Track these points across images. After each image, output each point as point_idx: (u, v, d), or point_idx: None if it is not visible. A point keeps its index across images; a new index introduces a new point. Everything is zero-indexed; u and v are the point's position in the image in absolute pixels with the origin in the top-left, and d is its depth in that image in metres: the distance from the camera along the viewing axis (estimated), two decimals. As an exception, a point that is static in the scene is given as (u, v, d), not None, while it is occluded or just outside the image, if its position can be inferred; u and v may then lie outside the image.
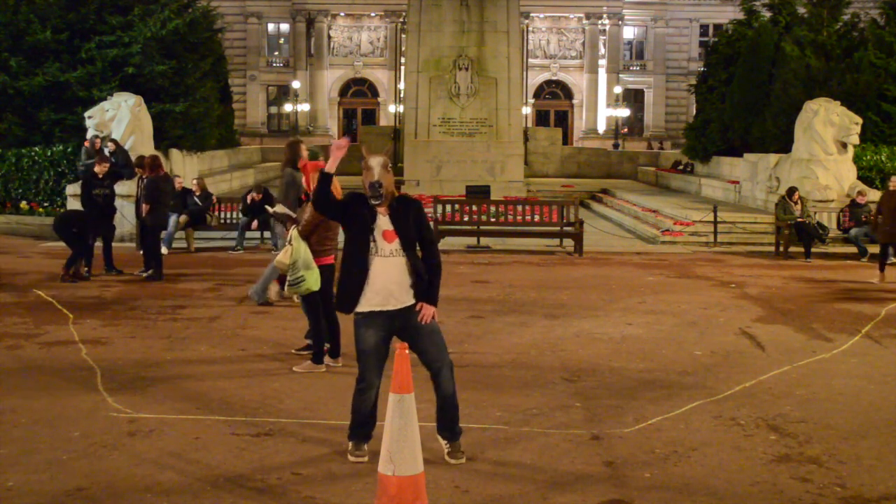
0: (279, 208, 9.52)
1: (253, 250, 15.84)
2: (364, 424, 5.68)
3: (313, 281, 7.76)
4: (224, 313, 10.48)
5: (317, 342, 8.00)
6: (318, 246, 7.85)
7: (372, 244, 5.44)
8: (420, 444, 4.78)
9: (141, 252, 13.61)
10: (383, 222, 5.46)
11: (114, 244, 13.77)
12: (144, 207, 12.99)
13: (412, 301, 5.50)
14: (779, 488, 5.32)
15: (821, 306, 11.33)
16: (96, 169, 13.33)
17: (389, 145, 6.08)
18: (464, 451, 5.66)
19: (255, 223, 16.23)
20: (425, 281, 5.51)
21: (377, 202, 5.40)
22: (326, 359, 8.00)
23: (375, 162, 5.43)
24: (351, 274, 5.49)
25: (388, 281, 5.44)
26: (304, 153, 10.34)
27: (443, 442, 5.69)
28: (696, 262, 15.38)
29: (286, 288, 7.84)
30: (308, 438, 6.08)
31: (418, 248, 5.55)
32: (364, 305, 5.47)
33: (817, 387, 7.58)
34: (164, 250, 14.11)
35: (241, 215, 16.70)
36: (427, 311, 5.50)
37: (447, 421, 5.68)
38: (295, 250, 7.63)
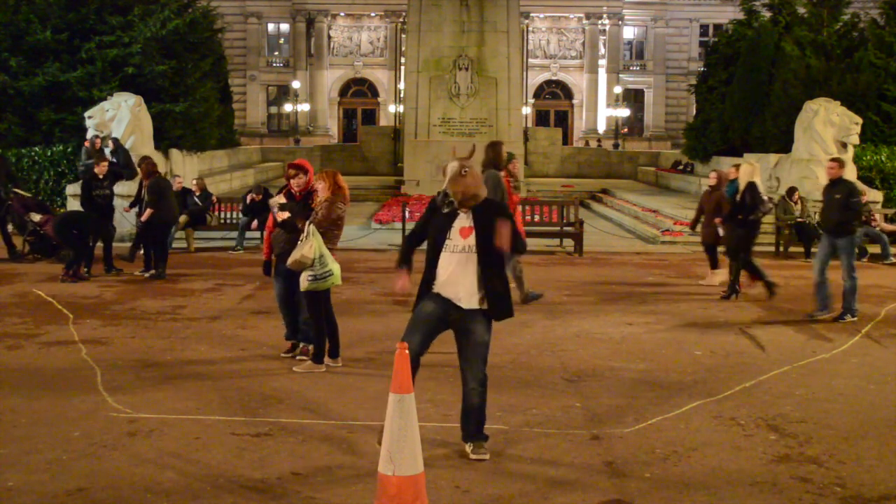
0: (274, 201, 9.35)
1: (253, 250, 15.82)
2: None
3: (338, 275, 7.77)
4: (224, 313, 10.48)
5: (318, 342, 8.00)
6: (327, 243, 7.83)
7: (448, 241, 5.57)
8: (420, 444, 4.78)
9: (140, 252, 13.61)
10: (462, 220, 5.56)
11: (114, 244, 13.77)
12: (147, 212, 12.96)
13: (476, 306, 5.58)
14: (779, 488, 5.32)
15: (821, 306, 11.31)
16: (96, 170, 13.33)
17: (471, 146, 6.08)
18: (487, 448, 5.71)
19: (255, 223, 16.22)
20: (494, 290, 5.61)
21: (447, 209, 5.52)
22: (326, 359, 8.00)
23: (450, 168, 5.53)
24: (425, 271, 5.67)
25: (455, 275, 5.54)
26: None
27: (466, 445, 5.72)
28: (696, 262, 15.37)
29: (311, 283, 7.71)
30: (308, 438, 6.07)
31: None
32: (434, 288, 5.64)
33: (817, 387, 7.58)
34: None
35: (241, 215, 16.70)
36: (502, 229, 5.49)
37: (470, 427, 5.74)
38: (317, 245, 7.60)
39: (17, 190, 14.97)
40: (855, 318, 10.35)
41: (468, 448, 5.71)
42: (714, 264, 13.08)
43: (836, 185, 10.63)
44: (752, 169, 11.89)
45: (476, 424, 5.74)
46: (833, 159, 11.05)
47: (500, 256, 5.58)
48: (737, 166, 12.26)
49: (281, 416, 6.55)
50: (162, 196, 12.96)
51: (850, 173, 18.23)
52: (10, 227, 14.93)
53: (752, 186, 11.59)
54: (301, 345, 8.28)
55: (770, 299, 11.57)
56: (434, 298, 5.63)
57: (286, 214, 7.99)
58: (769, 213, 12.93)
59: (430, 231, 5.67)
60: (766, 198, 11.77)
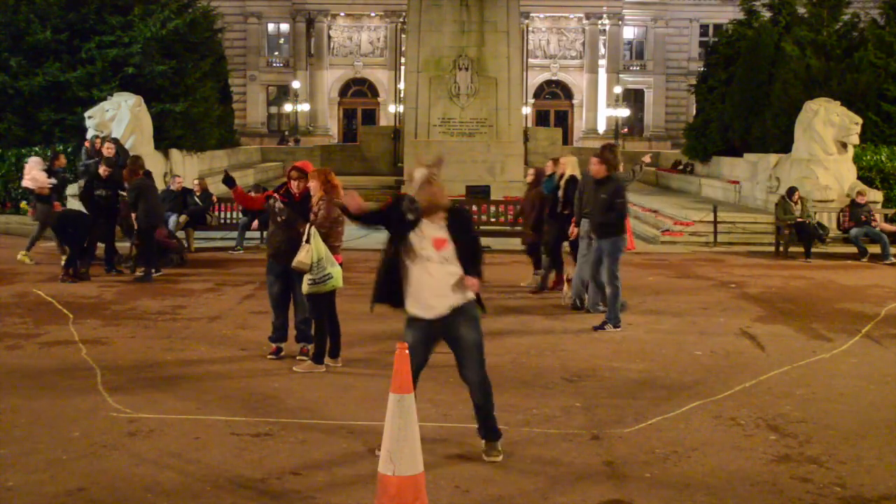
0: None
1: (253, 250, 15.83)
2: None
3: (339, 277, 7.77)
4: (224, 313, 10.48)
5: (318, 342, 7.99)
6: (333, 242, 7.83)
7: (420, 251, 5.51)
8: (420, 444, 4.78)
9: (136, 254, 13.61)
10: (433, 230, 5.52)
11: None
12: (132, 216, 12.93)
13: (458, 303, 5.55)
14: (779, 488, 5.32)
15: (821, 306, 11.32)
16: (100, 171, 13.31)
17: (437, 156, 6.11)
18: (501, 450, 5.75)
19: (255, 223, 16.22)
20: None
21: (412, 217, 5.48)
22: (326, 359, 8.00)
23: (418, 174, 5.52)
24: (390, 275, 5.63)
25: (433, 286, 5.51)
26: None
27: (481, 441, 5.79)
28: (696, 262, 15.38)
29: (311, 286, 7.72)
30: (308, 438, 6.07)
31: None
32: (409, 308, 5.62)
33: (817, 387, 7.58)
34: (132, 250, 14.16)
35: (241, 215, 16.69)
36: (471, 282, 5.51)
37: (481, 424, 5.80)
38: (316, 248, 7.60)
39: (122, 193, 14.82)
40: (618, 328, 9.67)
41: (483, 446, 5.80)
42: (537, 265, 12.42)
43: (603, 183, 9.80)
44: (572, 162, 11.40)
45: (484, 421, 5.78)
46: (597, 155, 9.99)
47: (478, 263, 5.61)
48: (555, 160, 11.82)
49: (281, 416, 6.54)
50: (141, 197, 12.83)
51: (850, 173, 18.36)
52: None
53: (572, 180, 11.21)
54: (301, 345, 8.28)
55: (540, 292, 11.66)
56: (417, 324, 5.58)
57: (280, 205, 8.02)
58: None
59: (392, 236, 5.61)
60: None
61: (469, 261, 5.56)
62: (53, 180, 15.48)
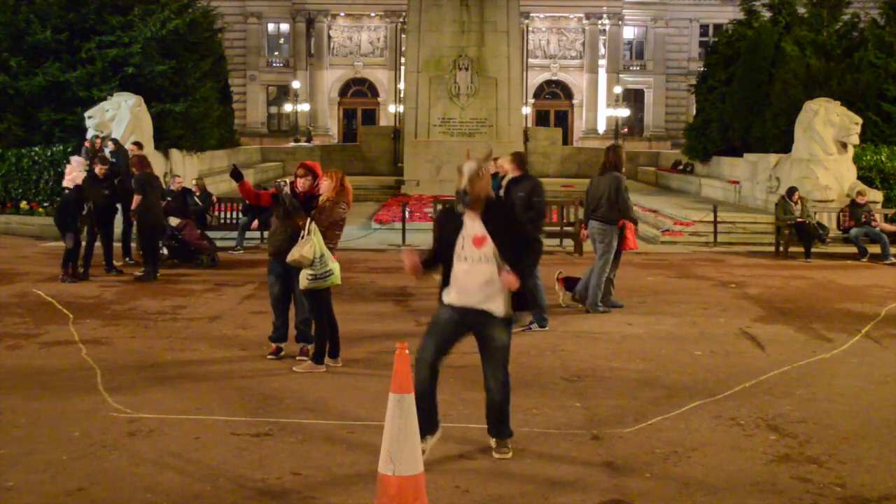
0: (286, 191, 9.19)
1: (253, 250, 15.84)
2: (421, 411, 5.11)
3: (338, 274, 7.77)
4: (224, 313, 10.48)
5: (318, 342, 7.99)
6: (328, 243, 7.83)
7: (460, 250, 5.52)
8: (420, 444, 4.78)
9: (142, 252, 13.60)
10: (472, 227, 5.51)
11: (114, 244, 13.75)
12: (135, 199, 12.91)
13: (492, 309, 5.57)
14: (779, 488, 5.32)
15: (821, 306, 11.32)
16: (96, 170, 13.31)
17: (488, 150, 6.04)
18: (510, 447, 5.79)
19: (255, 223, 16.22)
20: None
21: (461, 209, 5.46)
22: (326, 359, 7.99)
23: (468, 167, 5.47)
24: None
25: (472, 284, 5.51)
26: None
27: (490, 439, 5.82)
28: (696, 262, 15.38)
29: (311, 282, 7.68)
30: (308, 438, 6.07)
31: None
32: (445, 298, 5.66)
33: (817, 387, 7.58)
34: (164, 251, 14.10)
35: (240, 215, 16.69)
36: (508, 278, 5.46)
37: (491, 422, 5.83)
38: (318, 244, 7.60)
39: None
40: (544, 328, 9.56)
41: (491, 442, 5.82)
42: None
43: (520, 181, 9.61)
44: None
45: (497, 421, 5.80)
46: (511, 154, 9.93)
47: (518, 260, 5.54)
48: (496, 159, 11.57)
49: (281, 416, 6.54)
50: (146, 191, 12.81)
51: (850, 173, 18.37)
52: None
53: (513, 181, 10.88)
54: (301, 345, 8.28)
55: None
56: (449, 307, 5.64)
57: (288, 190, 7.98)
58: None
59: (442, 235, 5.67)
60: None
61: (512, 257, 5.50)
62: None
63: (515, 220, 5.81)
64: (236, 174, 8.27)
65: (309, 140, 47.12)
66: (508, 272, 5.46)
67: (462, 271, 5.54)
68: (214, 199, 17.54)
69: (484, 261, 5.50)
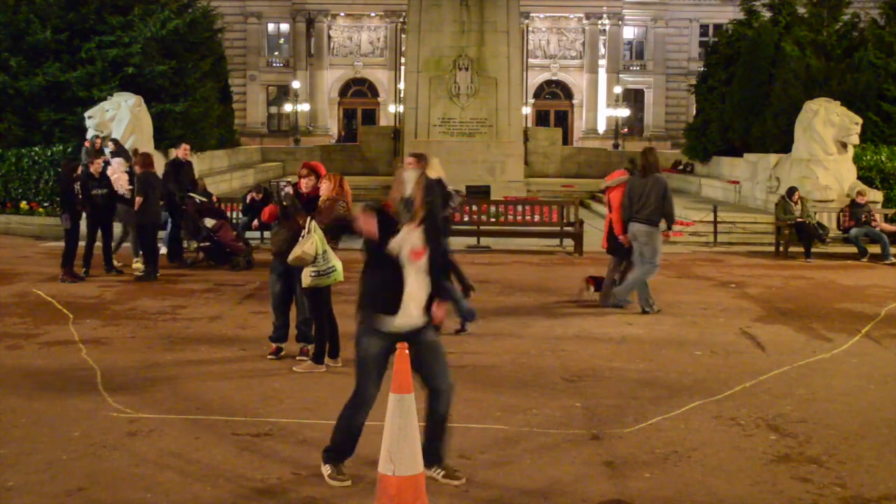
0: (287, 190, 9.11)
1: (253, 250, 15.81)
2: (351, 441, 5.29)
3: (340, 271, 7.76)
4: (224, 313, 10.48)
5: (318, 341, 7.99)
6: (330, 242, 7.83)
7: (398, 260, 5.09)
8: (420, 444, 4.78)
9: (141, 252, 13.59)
10: (412, 239, 5.10)
11: (113, 244, 13.74)
12: (137, 200, 12.93)
13: (427, 317, 5.21)
14: (779, 488, 5.32)
15: (821, 306, 11.32)
16: (91, 169, 13.29)
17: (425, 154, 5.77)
18: (458, 469, 5.38)
19: (255, 223, 16.18)
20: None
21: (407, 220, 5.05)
22: (326, 359, 8.00)
23: (413, 175, 5.16)
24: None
25: (410, 297, 5.12)
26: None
27: (437, 471, 5.25)
28: (696, 262, 15.38)
29: (314, 279, 7.63)
30: (308, 438, 6.07)
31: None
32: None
33: (817, 387, 7.58)
34: (163, 250, 14.08)
35: (240, 215, 16.66)
36: (438, 314, 5.24)
37: (438, 441, 5.28)
38: (319, 240, 7.60)
39: (192, 194, 14.71)
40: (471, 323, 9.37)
41: (437, 474, 5.24)
42: None
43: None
44: (434, 164, 10.71)
45: (440, 436, 5.29)
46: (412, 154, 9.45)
47: (439, 275, 5.27)
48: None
49: (281, 416, 6.55)
50: (147, 191, 12.81)
51: (850, 173, 18.35)
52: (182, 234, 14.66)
53: (438, 183, 10.82)
54: (301, 346, 8.28)
55: None
56: (385, 336, 5.12)
57: (289, 190, 7.99)
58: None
59: (375, 246, 5.08)
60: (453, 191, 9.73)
61: (435, 273, 5.19)
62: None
63: (439, 233, 5.40)
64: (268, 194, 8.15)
65: (297, 142, 47.04)
66: (438, 307, 5.23)
67: (413, 281, 5.10)
68: (215, 198, 17.52)
69: (420, 271, 5.12)
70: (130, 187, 13.51)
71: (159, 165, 15.71)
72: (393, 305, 5.09)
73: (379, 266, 5.13)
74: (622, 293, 10.78)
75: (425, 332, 5.24)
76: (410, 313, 5.14)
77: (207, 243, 14.21)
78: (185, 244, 14.64)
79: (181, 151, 15.08)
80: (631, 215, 10.68)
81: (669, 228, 10.77)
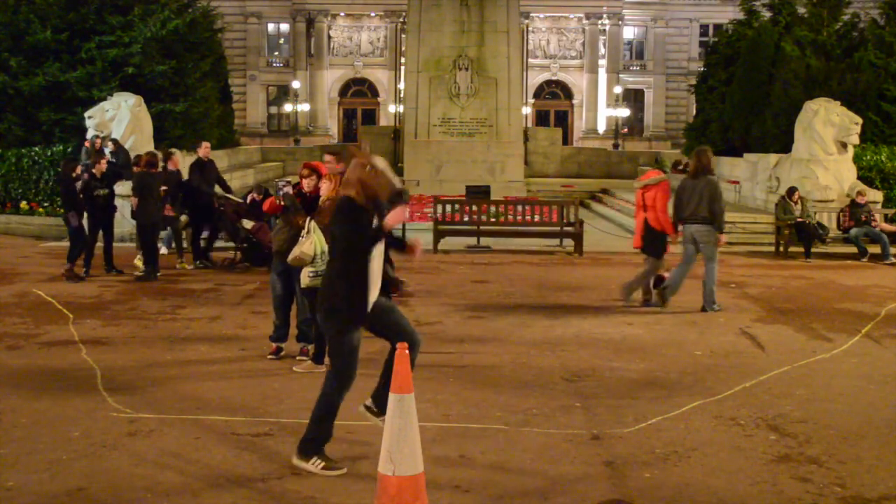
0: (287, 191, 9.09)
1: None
2: (331, 425, 5.57)
3: None
4: (224, 313, 10.47)
5: (318, 341, 7.99)
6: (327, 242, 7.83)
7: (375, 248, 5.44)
8: (420, 444, 4.78)
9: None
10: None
11: (114, 244, 13.74)
12: (133, 201, 12.92)
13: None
14: (779, 488, 5.32)
15: (821, 306, 11.32)
16: (94, 169, 13.30)
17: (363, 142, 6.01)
18: None
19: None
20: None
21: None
22: (326, 359, 7.98)
23: (383, 164, 5.41)
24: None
25: (376, 279, 5.48)
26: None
27: (377, 417, 5.58)
28: (696, 263, 15.34)
29: (312, 279, 7.61)
30: (308, 438, 6.07)
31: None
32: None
33: (817, 387, 7.58)
34: (163, 250, 14.08)
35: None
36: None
37: (382, 391, 5.52)
38: (318, 241, 7.60)
39: (229, 196, 14.65)
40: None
41: (378, 419, 5.57)
42: None
43: None
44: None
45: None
46: (329, 152, 9.33)
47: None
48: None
49: (281, 416, 6.54)
50: (143, 191, 12.80)
51: (850, 173, 18.35)
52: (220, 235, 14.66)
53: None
54: (301, 345, 8.28)
55: None
56: (359, 322, 5.51)
57: (289, 189, 8.01)
58: None
59: (360, 236, 5.32)
60: None
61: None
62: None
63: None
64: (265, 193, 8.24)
65: (297, 142, 47.06)
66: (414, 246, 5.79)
67: (376, 267, 5.44)
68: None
69: (380, 255, 5.49)
70: (164, 188, 13.58)
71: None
72: (373, 289, 5.43)
73: (362, 258, 5.38)
74: (711, 299, 10.84)
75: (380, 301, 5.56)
76: (376, 284, 5.46)
77: (245, 245, 14.10)
78: (205, 244, 14.49)
79: (202, 150, 15.01)
80: (685, 217, 10.84)
81: (720, 231, 10.94)
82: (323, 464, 5.41)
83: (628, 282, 11.26)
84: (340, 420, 6.44)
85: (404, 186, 5.50)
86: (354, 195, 5.32)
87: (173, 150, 17.00)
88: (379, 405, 5.54)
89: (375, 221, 5.34)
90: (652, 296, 11.13)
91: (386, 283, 5.67)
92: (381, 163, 5.42)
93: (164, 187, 13.40)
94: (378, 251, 5.43)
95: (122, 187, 15.03)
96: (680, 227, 11.06)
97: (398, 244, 5.89)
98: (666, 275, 11.20)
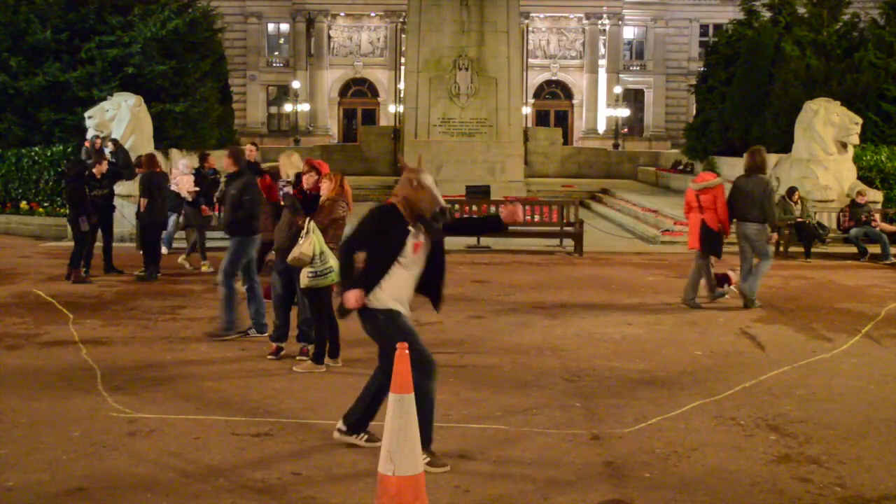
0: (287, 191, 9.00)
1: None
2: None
3: (338, 271, 7.75)
4: (224, 313, 10.46)
5: (318, 342, 7.99)
6: (329, 242, 7.83)
7: (401, 257, 5.47)
8: (420, 444, 4.78)
9: (141, 252, 13.59)
10: (415, 235, 5.50)
11: (114, 244, 13.74)
12: (141, 202, 12.92)
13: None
14: (779, 488, 5.32)
15: (821, 306, 11.32)
16: (94, 170, 13.29)
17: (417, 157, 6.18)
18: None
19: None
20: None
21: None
22: (326, 359, 7.99)
23: (430, 181, 5.46)
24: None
25: (404, 290, 5.55)
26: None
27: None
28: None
29: (311, 280, 7.65)
30: (308, 438, 6.07)
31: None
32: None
33: (817, 387, 7.58)
34: (164, 250, 14.07)
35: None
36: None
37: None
38: (317, 241, 7.60)
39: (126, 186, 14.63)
40: (228, 335, 8.98)
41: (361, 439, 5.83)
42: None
43: (233, 179, 9.05)
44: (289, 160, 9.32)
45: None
46: (229, 150, 9.25)
47: (440, 266, 5.68)
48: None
49: (281, 416, 6.54)
50: (151, 192, 12.81)
51: (850, 173, 18.36)
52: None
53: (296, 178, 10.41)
54: (302, 345, 8.28)
55: None
56: (399, 312, 5.56)
57: (289, 189, 8.00)
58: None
59: (385, 242, 5.46)
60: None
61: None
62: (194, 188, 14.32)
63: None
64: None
65: (296, 142, 47.11)
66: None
67: (399, 275, 5.49)
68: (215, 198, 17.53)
69: (416, 264, 5.56)
70: (197, 189, 13.58)
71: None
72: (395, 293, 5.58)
73: (388, 261, 5.51)
74: (751, 291, 11.04)
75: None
76: (407, 296, 5.64)
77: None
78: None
79: (248, 152, 14.96)
80: (739, 215, 11.06)
81: (774, 230, 11.25)
82: (367, 438, 5.79)
83: (685, 286, 11.34)
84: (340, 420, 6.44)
85: (448, 206, 5.51)
86: (398, 203, 5.49)
87: (209, 151, 17.04)
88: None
89: (420, 235, 5.47)
90: (713, 290, 11.37)
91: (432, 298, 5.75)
92: (428, 180, 5.46)
93: (196, 188, 13.58)
94: (412, 262, 5.49)
95: (122, 187, 15.04)
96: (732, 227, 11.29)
97: (494, 223, 5.90)
98: (731, 273, 11.51)
